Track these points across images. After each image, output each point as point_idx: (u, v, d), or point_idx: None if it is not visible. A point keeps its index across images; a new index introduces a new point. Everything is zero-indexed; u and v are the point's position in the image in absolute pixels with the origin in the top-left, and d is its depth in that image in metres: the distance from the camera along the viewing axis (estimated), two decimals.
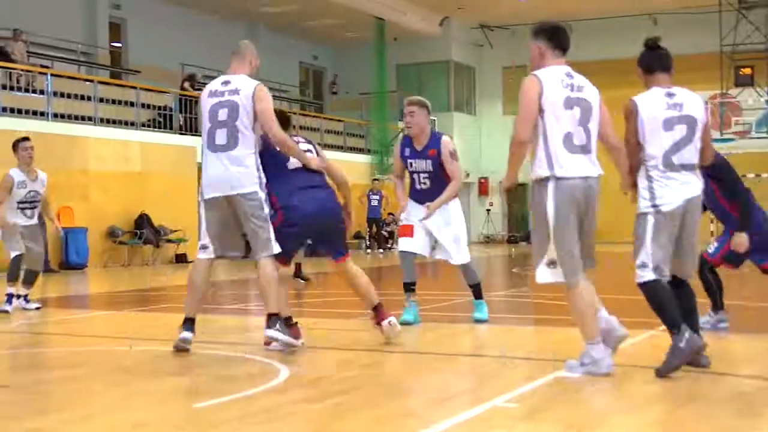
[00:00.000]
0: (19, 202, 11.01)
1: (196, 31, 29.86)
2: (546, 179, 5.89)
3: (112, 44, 27.78)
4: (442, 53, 35.79)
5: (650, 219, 5.90)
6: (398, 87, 35.16)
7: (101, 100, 22.49)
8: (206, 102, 7.21)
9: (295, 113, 30.02)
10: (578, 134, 5.95)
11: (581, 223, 5.95)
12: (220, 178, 7.03)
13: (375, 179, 28.93)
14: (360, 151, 32.17)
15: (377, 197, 27.48)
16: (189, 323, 7.14)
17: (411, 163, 8.86)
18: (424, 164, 8.78)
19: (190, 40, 29.17)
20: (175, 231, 22.57)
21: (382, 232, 28.38)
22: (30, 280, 11.16)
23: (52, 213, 11.89)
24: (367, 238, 28.44)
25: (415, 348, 7.55)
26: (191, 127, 24.34)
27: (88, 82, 22.88)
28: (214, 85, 7.25)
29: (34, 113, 20.29)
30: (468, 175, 32.80)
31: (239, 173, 6.99)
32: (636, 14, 32.02)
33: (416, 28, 32.54)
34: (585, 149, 5.96)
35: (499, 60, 36.85)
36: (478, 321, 8.97)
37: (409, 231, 8.86)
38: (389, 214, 27.64)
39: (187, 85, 25.45)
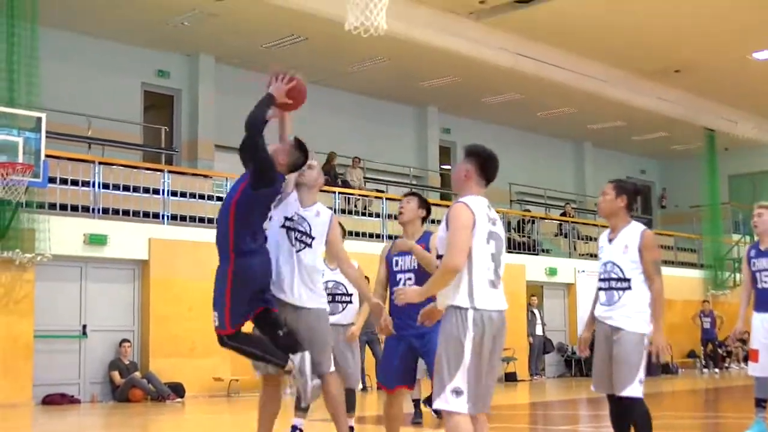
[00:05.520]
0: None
1: (523, 149, 30.42)
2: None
3: (442, 167, 28.82)
4: None
5: None
6: (731, 198, 33.88)
7: (432, 221, 23.18)
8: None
9: None
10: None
11: None
12: None
13: (705, 300, 27.81)
14: (692, 266, 31.08)
15: (709, 319, 26.66)
16: None
17: (754, 263, 9.36)
18: (765, 263, 9.27)
19: (517, 159, 29.78)
20: (505, 349, 22.58)
21: (718, 350, 27.22)
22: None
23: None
24: (702, 357, 27.41)
25: None
26: (522, 246, 24.75)
27: None
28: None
29: (370, 236, 21.34)
30: None
31: None
32: None
33: (749, 136, 31.30)
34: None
35: None
36: None
37: (754, 356, 9.27)
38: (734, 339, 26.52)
39: None
